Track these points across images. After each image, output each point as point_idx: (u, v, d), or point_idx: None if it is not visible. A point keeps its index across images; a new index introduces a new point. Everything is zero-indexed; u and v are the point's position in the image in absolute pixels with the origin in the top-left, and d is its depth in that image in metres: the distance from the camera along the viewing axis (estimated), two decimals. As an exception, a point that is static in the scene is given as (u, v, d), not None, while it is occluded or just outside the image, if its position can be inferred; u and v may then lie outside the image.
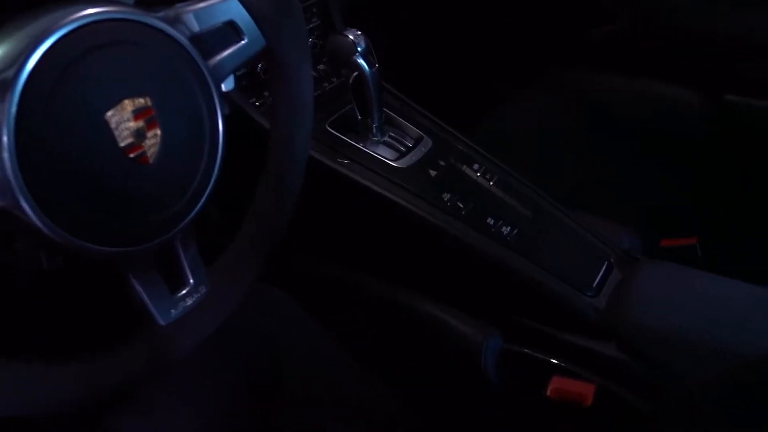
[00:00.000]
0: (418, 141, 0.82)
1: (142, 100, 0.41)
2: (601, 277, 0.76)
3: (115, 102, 0.39)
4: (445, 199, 0.75)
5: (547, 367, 0.71)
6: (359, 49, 0.75)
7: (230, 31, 0.49)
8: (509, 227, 0.75)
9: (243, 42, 0.50)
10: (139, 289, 0.45)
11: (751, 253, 0.93)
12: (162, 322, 0.46)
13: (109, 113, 0.39)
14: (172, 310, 0.47)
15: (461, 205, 0.75)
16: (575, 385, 0.67)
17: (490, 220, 0.75)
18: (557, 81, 1.22)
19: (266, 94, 0.77)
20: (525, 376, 0.72)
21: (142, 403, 0.68)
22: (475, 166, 0.81)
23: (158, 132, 0.42)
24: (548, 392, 0.67)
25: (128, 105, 0.40)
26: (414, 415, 0.72)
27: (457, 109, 0.97)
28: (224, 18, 0.48)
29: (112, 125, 0.39)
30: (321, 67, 0.87)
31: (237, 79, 0.76)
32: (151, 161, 0.41)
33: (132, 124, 0.40)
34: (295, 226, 0.75)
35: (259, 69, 0.77)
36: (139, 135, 0.41)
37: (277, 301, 0.78)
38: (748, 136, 1.10)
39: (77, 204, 0.38)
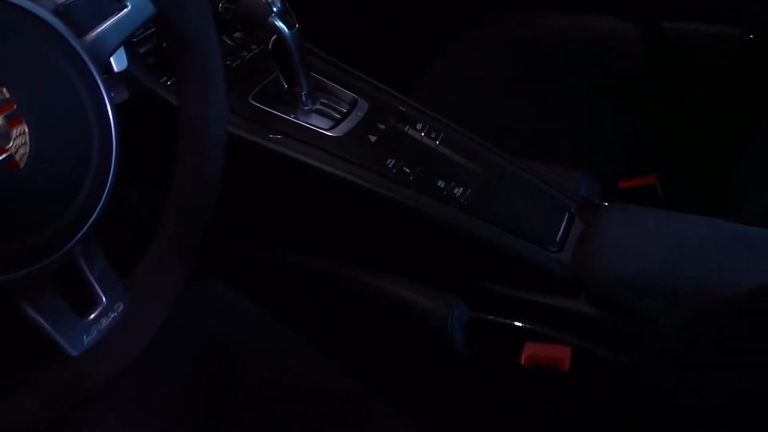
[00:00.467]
0: (352, 106, 0.75)
1: (-1, 92, 0.33)
2: (564, 229, 0.72)
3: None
4: (390, 166, 0.68)
5: (518, 332, 0.67)
6: (275, 9, 0.67)
7: (110, 4, 0.41)
8: (461, 188, 0.70)
9: (125, 10, 0.42)
10: (38, 318, 0.37)
11: (710, 184, 0.90)
12: (73, 353, 0.39)
13: (-46, 112, 0.31)
14: (85, 336, 0.40)
15: (408, 170, 0.69)
16: (550, 350, 0.63)
17: (441, 183, 0.69)
18: (489, 26, 1.16)
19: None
20: (496, 345, 0.68)
21: (91, 422, 0.61)
22: (418, 126, 0.75)
23: (25, 129, 0.34)
24: (522, 361, 0.62)
25: (-21, 99, 0.32)
26: (384, 400, 0.67)
27: (389, 67, 0.90)
28: None
29: (-41, 126, 0.31)
30: (237, 35, 0.78)
31: (140, 57, 0.67)
32: (21, 166, 0.34)
33: (-12, 123, 0.32)
34: (232, 212, 0.68)
35: (164, 45, 0.68)
36: (2, 135, 0.33)
37: (222, 296, 0.71)
38: (690, 63, 1.07)
39: None
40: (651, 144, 1.01)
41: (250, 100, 0.71)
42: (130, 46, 0.64)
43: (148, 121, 0.62)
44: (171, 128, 0.50)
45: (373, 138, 0.71)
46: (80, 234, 0.38)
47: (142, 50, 0.67)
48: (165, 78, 0.68)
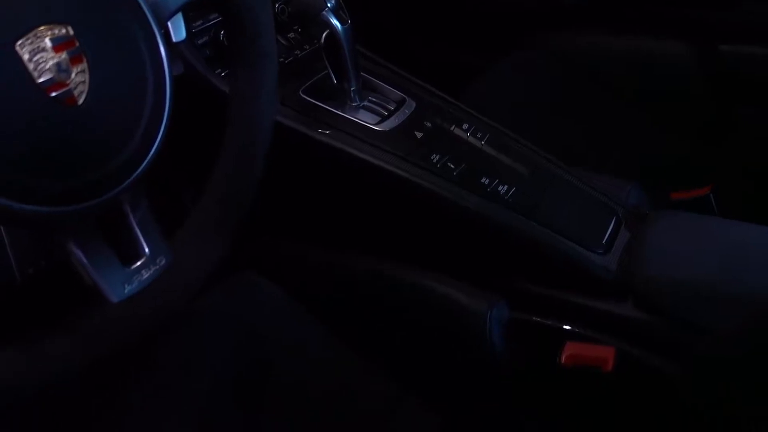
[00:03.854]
0: (400, 104, 0.75)
1: (62, 29, 0.34)
2: (610, 233, 0.70)
3: (26, 29, 0.33)
4: (434, 161, 0.68)
5: (559, 333, 0.64)
6: (328, 4, 0.69)
7: None
8: (506, 186, 0.69)
9: None
10: (83, 259, 0.38)
11: (764, 198, 0.87)
12: (114, 299, 0.40)
13: (21, 43, 0.33)
14: (126, 285, 0.40)
15: (452, 166, 0.68)
16: (592, 350, 0.60)
17: (485, 180, 0.68)
18: (536, 46, 1.17)
19: None
20: (536, 345, 0.66)
21: (120, 408, 0.62)
22: (464, 126, 0.75)
23: (86, 67, 0.35)
24: (562, 360, 0.60)
25: (45, 33, 0.34)
26: (416, 400, 0.65)
27: (440, 79, 0.91)
28: None
29: (24, 58, 0.33)
30: (291, 35, 0.81)
31: (199, 49, 0.70)
32: (79, 102, 0.35)
33: (52, 57, 0.34)
34: (274, 204, 0.69)
35: (222, 37, 0.71)
36: (61, 70, 0.34)
37: (259, 288, 0.71)
38: (746, 84, 1.04)
39: None
40: (704, 157, 0.98)
41: (300, 93, 0.72)
42: (189, 35, 0.67)
43: (201, 111, 0.64)
44: (214, 110, 0.51)
45: (419, 134, 0.71)
46: (131, 179, 0.38)
47: (200, 41, 0.70)
48: (220, 69, 0.71)
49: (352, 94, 0.73)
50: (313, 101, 0.72)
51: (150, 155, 0.40)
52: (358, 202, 0.73)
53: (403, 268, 0.72)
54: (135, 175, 0.39)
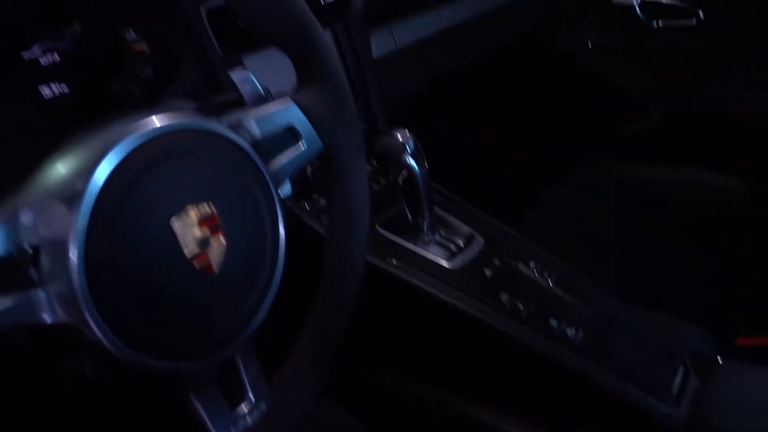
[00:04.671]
0: (469, 240, 0.79)
1: (206, 207, 0.39)
2: (679, 383, 0.70)
3: (180, 209, 0.38)
4: (504, 300, 0.71)
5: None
6: (408, 149, 0.75)
7: (289, 136, 0.49)
8: (574, 329, 0.71)
9: (301, 146, 0.49)
10: (199, 406, 0.42)
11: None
12: None
13: (176, 221, 0.38)
14: (232, 429, 0.43)
15: (521, 306, 0.71)
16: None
17: (554, 322, 0.70)
18: (599, 173, 1.21)
19: (315, 196, 0.77)
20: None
21: None
22: (531, 264, 0.78)
23: (222, 240, 0.40)
24: None
25: (193, 212, 0.39)
26: None
27: (503, 200, 0.96)
28: (284, 123, 0.48)
29: (178, 233, 0.38)
30: (369, 169, 0.87)
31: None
32: (215, 270, 0.40)
33: (197, 232, 0.39)
34: (349, 334, 0.71)
35: (308, 173, 0.77)
36: (205, 243, 0.39)
37: (336, 417, 0.73)
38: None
39: (142, 319, 0.36)
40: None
41: (377, 227, 0.77)
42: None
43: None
44: (309, 252, 0.56)
45: (488, 272, 0.75)
46: (245, 334, 0.42)
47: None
48: (303, 202, 0.76)
49: (425, 230, 0.77)
50: (389, 235, 0.77)
51: (263, 314, 0.44)
52: (429, 335, 0.75)
53: (469, 402, 0.73)
54: (249, 330, 0.43)
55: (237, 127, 0.45)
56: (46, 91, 0.60)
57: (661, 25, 1.21)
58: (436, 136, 0.93)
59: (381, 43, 0.91)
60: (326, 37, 0.50)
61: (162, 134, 0.38)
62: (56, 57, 0.60)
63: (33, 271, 0.34)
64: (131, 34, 0.64)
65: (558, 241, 0.86)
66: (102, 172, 0.35)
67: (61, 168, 0.36)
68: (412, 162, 0.74)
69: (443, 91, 1.12)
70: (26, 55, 0.58)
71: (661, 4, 1.20)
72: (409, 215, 0.78)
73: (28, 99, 0.58)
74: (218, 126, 0.42)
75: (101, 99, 0.63)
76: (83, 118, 0.61)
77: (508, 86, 1.28)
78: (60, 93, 0.61)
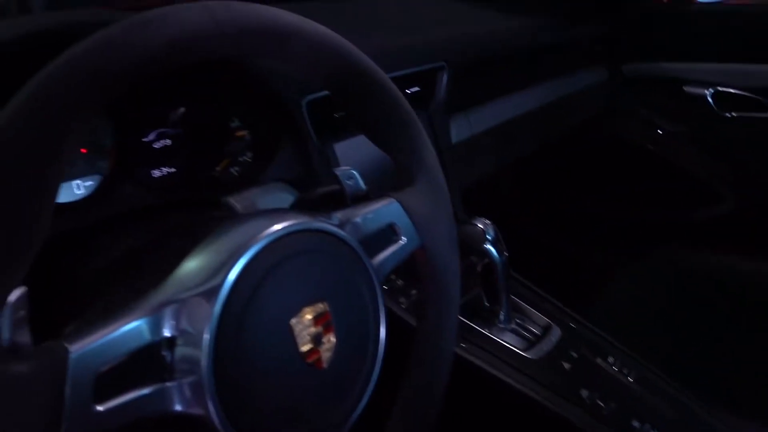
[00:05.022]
0: (546, 329, 0.79)
1: (321, 306, 0.41)
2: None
3: (298, 309, 0.40)
4: (584, 396, 0.70)
5: None
6: (489, 237, 0.76)
7: (390, 232, 0.51)
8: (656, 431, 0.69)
9: (401, 242, 0.51)
10: None
11: None
12: None
13: (293, 320, 0.39)
14: None
15: (602, 404, 0.69)
16: None
17: (636, 423, 0.69)
18: (669, 260, 1.19)
19: (414, 292, 0.77)
20: None
21: None
22: (610, 359, 0.76)
23: (332, 337, 0.42)
24: None
25: (309, 311, 0.40)
26: None
27: (575, 288, 0.95)
28: (387, 220, 0.50)
29: (295, 331, 0.39)
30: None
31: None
32: (324, 366, 0.41)
33: (312, 330, 0.40)
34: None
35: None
36: (317, 340, 0.41)
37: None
38: None
39: (258, 410, 0.38)
40: None
41: (454, 313, 0.77)
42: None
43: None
44: (397, 342, 0.56)
45: (566, 365, 0.74)
46: (348, 425, 0.43)
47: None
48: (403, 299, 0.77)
49: (501, 317, 0.77)
50: (465, 320, 0.77)
51: (364, 402, 0.44)
52: (501, 425, 0.74)
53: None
54: (352, 420, 0.44)
55: (345, 224, 0.47)
56: (155, 173, 0.64)
57: (734, 116, 1.21)
58: (508, 221, 0.94)
59: (458, 129, 0.94)
60: (428, 140, 0.53)
61: (285, 236, 0.40)
62: (167, 141, 0.64)
63: (169, 362, 0.36)
64: (235, 122, 0.69)
65: (633, 332, 0.84)
66: (234, 271, 0.37)
67: (199, 265, 0.38)
68: (492, 250, 0.75)
69: (515, 177, 1.14)
70: (145, 139, 0.63)
71: (735, 95, 1.20)
72: (486, 301, 0.78)
73: (142, 179, 0.62)
74: (332, 227, 0.44)
75: (204, 180, 0.67)
76: (187, 197, 0.65)
77: (577, 172, 1.29)
78: (168, 173, 0.65)
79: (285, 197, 0.68)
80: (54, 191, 0.33)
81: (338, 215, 0.48)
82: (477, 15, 1.17)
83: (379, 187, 0.57)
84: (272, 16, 0.41)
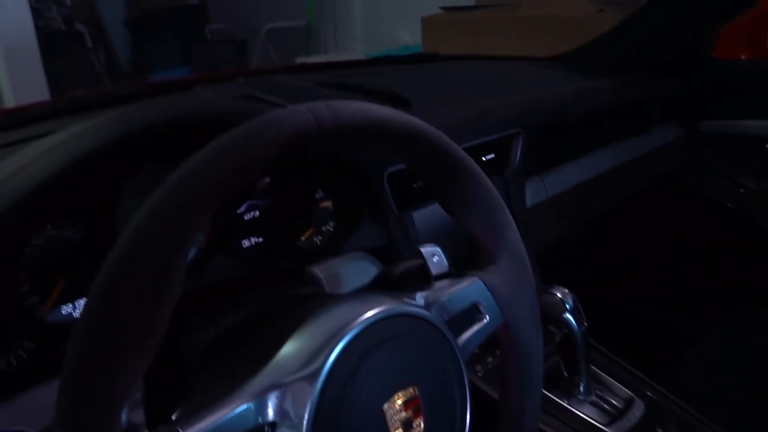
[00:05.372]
0: (629, 403, 0.76)
1: (411, 390, 0.42)
2: None
3: (390, 393, 0.41)
4: (672, 478, 0.67)
5: None
6: (567, 306, 0.75)
7: (474, 311, 0.51)
8: None
9: (485, 320, 0.51)
10: None
11: None
12: None
13: (385, 405, 0.41)
14: None
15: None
16: None
17: None
18: (747, 319, 1.14)
19: (490, 360, 0.77)
20: None
21: None
22: (698, 437, 0.73)
23: (421, 422, 0.42)
24: None
25: (400, 395, 0.42)
26: None
27: (655, 354, 0.92)
28: (471, 300, 0.51)
29: (387, 416, 0.40)
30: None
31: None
32: (413, 447, 0.42)
33: (402, 415, 0.41)
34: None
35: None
36: (407, 425, 0.42)
37: None
38: None
39: None
40: None
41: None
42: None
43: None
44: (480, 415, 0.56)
45: (652, 442, 0.71)
46: None
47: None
48: (479, 366, 0.77)
49: (581, 388, 0.76)
50: (543, 391, 0.76)
51: None
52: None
53: None
54: None
55: (432, 305, 0.48)
56: (245, 243, 0.68)
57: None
58: (585, 285, 0.93)
59: (533, 193, 0.95)
60: (510, 218, 0.54)
61: (379, 321, 0.42)
62: (257, 213, 0.68)
63: None
64: (319, 192, 0.72)
65: (720, 403, 0.80)
66: (333, 355, 0.39)
67: (298, 349, 0.40)
68: (572, 320, 0.74)
69: (591, 238, 1.13)
70: (238, 211, 0.66)
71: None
72: (564, 371, 0.77)
73: (234, 250, 0.66)
74: (422, 310, 0.45)
75: (289, 249, 0.70)
76: (272, 265, 0.68)
77: (655, 231, 1.26)
78: (256, 243, 0.68)
79: (367, 267, 0.70)
80: (180, 281, 0.36)
81: (424, 295, 0.49)
82: (550, 77, 1.18)
83: (456, 252, 0.58)
84: (376, 113, 0.44)
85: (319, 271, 0.66)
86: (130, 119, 0.52)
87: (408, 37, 3.40)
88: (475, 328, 0.51)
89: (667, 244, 1.26)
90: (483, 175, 0.52)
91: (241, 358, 0.44)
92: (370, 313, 0.42)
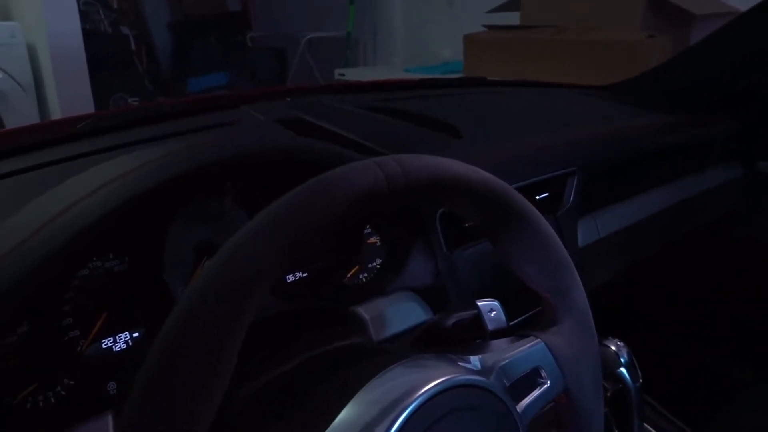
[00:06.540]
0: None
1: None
2: None
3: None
4: None
5: None
6: (623, 360, 0.71)
7: (535, 376, 0.48)
8: None
9: (546, 386, 0.48)
10: None
11: None
12: None
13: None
14: None
15: None
16: None
17: None
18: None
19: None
20: None
21: None
22: None
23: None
24: None
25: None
26: None
27: (709, 407, 0.87)
28: (532, 365, 0.48)
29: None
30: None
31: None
32: None
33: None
34: None
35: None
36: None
37: None
38: None
39: None
40: None
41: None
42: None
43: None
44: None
45: None
46: None
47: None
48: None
49: (632, 447, 0.72)
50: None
51: None
52: None
53: None
54: None
55: (491, 369, 0.45)
56: (289, 277, 0.65)
57: None
58: (635, 329, 0.89)
59: (586, 232, 0.91)
60: (579, 279, 0.51)
61: (438, 393, 0.39)
62: (303, 246, 0.66)
63: None
64: (367, 228, 0.70)
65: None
66: (399, 421, 0.36)
67: (355, 421, 0.38)
68: (626, 376, 0.70)
69: (643, 281, 1.08)
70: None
71: None
72: (615, 427, 0.73)
73: (276, 284, 0.63)
74: (482, 379, 0.42)
75: (333, 286, 0.68)
76: (315, 302, 0.66)
77: (710, 275, 1.21)
78: (300, 278, 0.66)
79: (414, 309, 0.67)
80: (236, 354, 0.34)
81: (483, 357, 0.46)
82: (604, 110, 1.14)
83: (505, 297, 0.55)
84: (449, 171, 0.41)
85: (364, 311, 0.63)
86: (200, 153, 0.51)
87: (448, 53, 3.38)
88: (536, 393, 0.48)
89: (721, 290, 1.20)
90: (554, 235, 0.49)
91: (293, 418, 0.42)
92: (431, 384, 0.39)
